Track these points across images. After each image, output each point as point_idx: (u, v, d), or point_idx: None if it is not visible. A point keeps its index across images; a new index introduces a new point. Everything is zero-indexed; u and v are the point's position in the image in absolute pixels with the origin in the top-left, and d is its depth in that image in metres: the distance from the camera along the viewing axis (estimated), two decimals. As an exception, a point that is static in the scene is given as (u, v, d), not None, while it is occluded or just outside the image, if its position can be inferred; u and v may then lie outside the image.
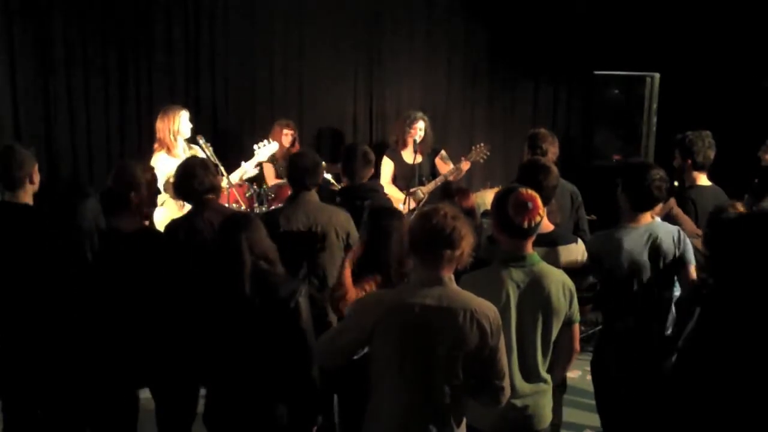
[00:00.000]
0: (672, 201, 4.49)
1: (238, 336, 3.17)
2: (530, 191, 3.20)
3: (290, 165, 4.53)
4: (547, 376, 3.27)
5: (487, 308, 2.81)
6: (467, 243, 2.78)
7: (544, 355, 3.23)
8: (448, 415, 2.82)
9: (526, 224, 3.12)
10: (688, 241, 3.91)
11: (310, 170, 4.44)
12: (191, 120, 5.96)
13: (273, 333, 3.14)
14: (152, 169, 4.16)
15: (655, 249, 3.79)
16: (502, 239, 3.23)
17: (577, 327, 3.31)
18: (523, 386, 3.20)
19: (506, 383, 2.88)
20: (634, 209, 3.84)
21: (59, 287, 3.50)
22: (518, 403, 3.19)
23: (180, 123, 5.81)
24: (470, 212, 4.09)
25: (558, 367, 3.37)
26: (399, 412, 2.81)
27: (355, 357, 3.01)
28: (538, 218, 3.15)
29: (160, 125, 5.81)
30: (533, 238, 3.22)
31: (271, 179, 6.62)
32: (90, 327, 3.52)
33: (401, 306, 2.76)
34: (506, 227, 3.17)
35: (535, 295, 3.14)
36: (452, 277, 2.83)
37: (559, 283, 3.19)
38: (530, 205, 3.14)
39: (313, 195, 4.48)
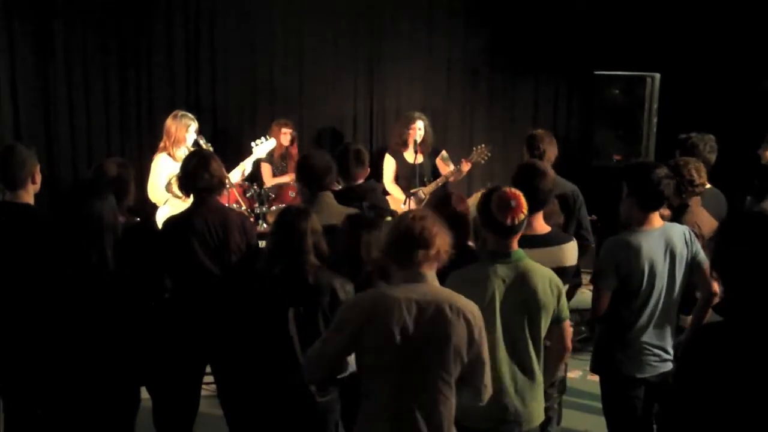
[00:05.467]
0: (695, 200, 4.42)
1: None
2: (514, 190, 3.24)
3: (303, 166, 4.47)
4: (539, 374, 3.27)
5: (470, 305, 2.85)
6: (441, 240, 2.83)
7: (536, 351, 3.24)
8: (439, 410, 2.81)
9: (509, 221, 3.17)
10: (696, 240, 3.88)
11: (326, 170, 4.41)
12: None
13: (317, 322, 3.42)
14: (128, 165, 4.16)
15: (671, 252, 3.76)
16: (488, 237, 3.26)
17: (567, 324, 3.33)
18: (513, 384, 3.20)
19: (488, 381, 2.90)
20: (643, 210, 3.78)
21: (60, 287, 3.50)
22: (509, 401, 3.19)
23: (187, 133, 5.76)
24: (464, 217, 4.09)
25: (550, 366, 3.37)
26: (390, 411, 2.81)
27: (340, 376, 3.06)
28: (521, 216, 3.19)
29: (171, 126, 5.75)
30: (518, 235, 3.24)
31: (268, 179, 6.60)
32: (91, 326, 3.52)
33: (388, 302, 2.78)
34: (491, 225, 3.22)
35: (521, 290, 3.16)
36: (434, 275, 2.86)
37: (546, 279, 3.21)
38: (513, 203, 3.18)
39: (329, 196, 4.44)
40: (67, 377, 3.50)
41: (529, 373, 3.23)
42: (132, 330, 3.58)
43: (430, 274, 2.85)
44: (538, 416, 3.30)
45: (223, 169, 4.26)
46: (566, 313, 3.30)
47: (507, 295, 3.15)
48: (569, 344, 3.38)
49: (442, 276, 2.97)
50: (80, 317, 3.43)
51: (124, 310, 3.50)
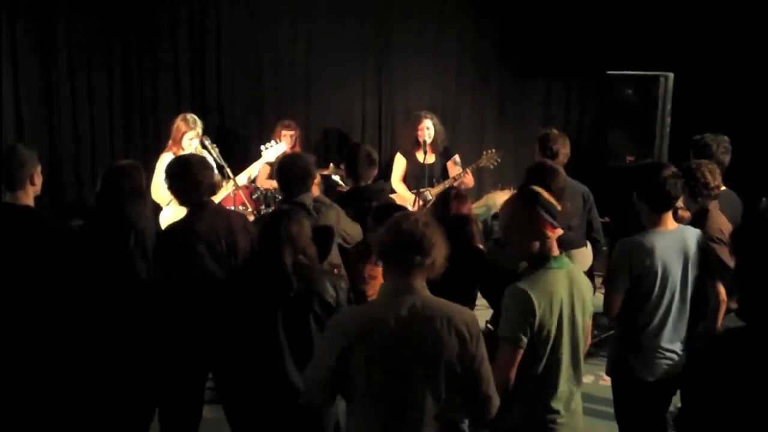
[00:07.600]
0: (714, 204, 4.34)
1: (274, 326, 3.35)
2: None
3: (280, 170, 4.45)
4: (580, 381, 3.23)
5: (464, 314, 2.73)
6: (438, 251, 2.70)
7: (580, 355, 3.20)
8: (429, 427, 2.69)
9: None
10: (711, 246, 3.84)
11: (302, 177, 4.36)
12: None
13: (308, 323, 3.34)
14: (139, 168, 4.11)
15: (686, 255, 3.72)
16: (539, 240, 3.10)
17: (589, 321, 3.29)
18: (575, 387, 3.14)
19: (493, 392, 2.77)
20: (654, 211, 3.74)
21: (59, 290, 3.47)
22: (573, 405, 3.13)
23: (189, 139, 5.71)
24: (466, 218, 4.01)
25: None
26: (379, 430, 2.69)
27: None
28: None
29: (181, 128, 5.71)
30: None
31: (262, 180, 6.50)
32: (96, 328, 3.50)
33: (375, 321, 2.66)
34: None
35: (578, 294, 3.10)
36: (425, 284, 2.73)
37: (587, 281, 3.21)
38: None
39: (308, 197, 4.39)
40: (79, 381, 3.48)
41: (578, 378, 3.15)
42: (147, 333, 3.56)
43: (421, 284, 2.72)
44: (582, 423, 3.22)
45: (211, 175, 4.18)
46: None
47: (571, 299, 3.07)
48: (589, 338, 3.36)
49: (441, 285, 2.83)
50: (104, 319, 3.42)
51: (143, 312, 3.50)
